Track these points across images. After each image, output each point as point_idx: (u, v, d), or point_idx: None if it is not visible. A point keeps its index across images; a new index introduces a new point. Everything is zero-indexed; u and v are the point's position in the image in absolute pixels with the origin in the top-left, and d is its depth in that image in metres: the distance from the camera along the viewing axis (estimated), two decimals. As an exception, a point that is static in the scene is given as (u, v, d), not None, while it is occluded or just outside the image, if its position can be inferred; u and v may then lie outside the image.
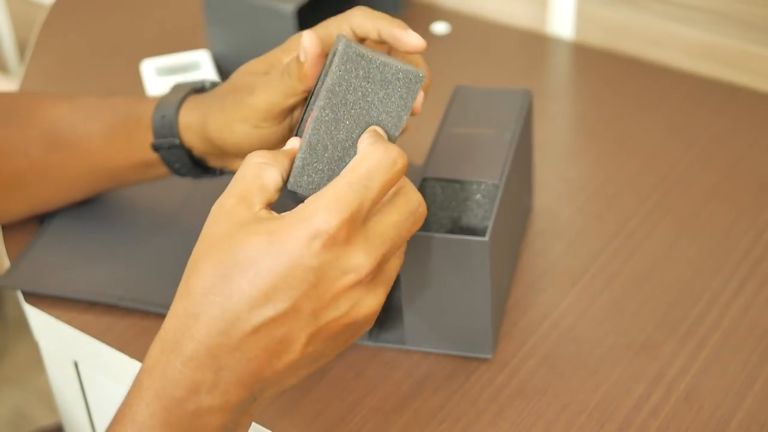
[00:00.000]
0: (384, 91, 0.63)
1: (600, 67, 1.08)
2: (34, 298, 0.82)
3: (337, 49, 0.63)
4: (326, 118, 0.63)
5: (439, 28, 1.15)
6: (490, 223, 0.71)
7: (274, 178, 0.60)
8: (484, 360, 0.75)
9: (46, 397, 1.75)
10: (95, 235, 0.86)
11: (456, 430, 0.70)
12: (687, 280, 0.81)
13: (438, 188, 0.76)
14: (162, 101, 0.78)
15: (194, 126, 0.76)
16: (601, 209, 0.89)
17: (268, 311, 0.56)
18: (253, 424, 0.71)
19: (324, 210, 0.56)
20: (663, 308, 0.79)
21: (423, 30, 1.15)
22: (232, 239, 0.57)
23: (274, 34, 1.00)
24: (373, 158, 0.59)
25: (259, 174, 0.60)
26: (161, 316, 0.79)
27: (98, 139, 0.80)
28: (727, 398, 0.71)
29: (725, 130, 0.97)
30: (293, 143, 0.63)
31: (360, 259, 0.57)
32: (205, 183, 0.91)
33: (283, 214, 0.58)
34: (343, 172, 0.59)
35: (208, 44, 1.09)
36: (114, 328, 0.79)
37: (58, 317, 0.80)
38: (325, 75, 0.64)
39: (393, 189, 0.60)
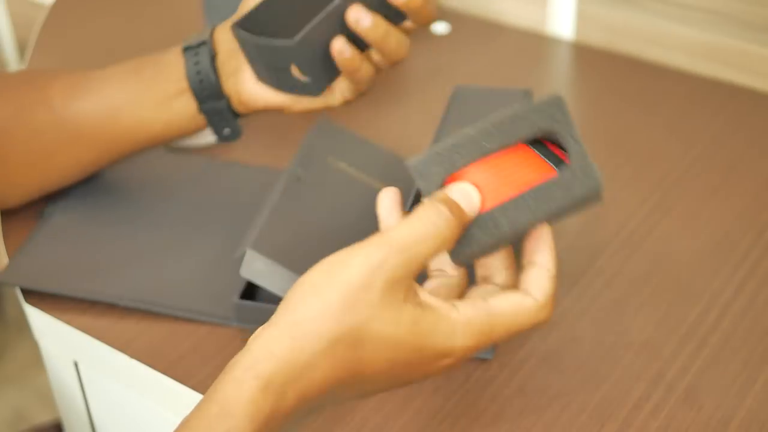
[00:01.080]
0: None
1: (600, 67, 1.08)
2: (34, 297, 0.82)
3: None
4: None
5: (439, 28, 1.15)
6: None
7: (440, 250, 0.58)
8: (484, 360, 0.75)
9: (46, 397, 1.75)
10: (94, 232, 0.86)
11: (456, 430, 0.70)
12: (687, 280, 0.81)
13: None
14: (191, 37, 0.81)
15: (228, 27, 0.77)
16: (601, 209, 0.89)
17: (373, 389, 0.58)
18: (253, 424, 0.71)
19: (470, 345, 0.57)
20: (663, 308, 0.79)
21: (423, 30, 1.15)
22: (379, 322, 0.56)
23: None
24: (524, 319, 0.58)
25: (439, 244, 0.57)
26: (161, 316, 0.79)
27: (124, 80, 0.81)
28: (727, 398, 0.71)
29: (725, 130, 0.97)
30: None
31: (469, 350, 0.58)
32: (206, 184, 0.91)
33: (435, 315, 0.57)
34: (494, 311, 0.58)
35: (208, 44, 1.08)
36: (114, 328, 0.79)
37: (58, 317, 0.80)
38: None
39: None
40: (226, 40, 0.79)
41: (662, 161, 0.94)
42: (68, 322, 0.80)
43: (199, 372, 0.75)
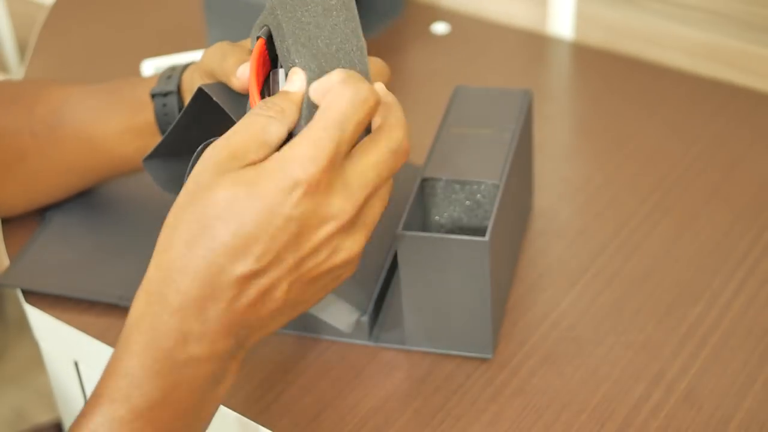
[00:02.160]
0: (331, 19, 0.63)
1: (600, 67, 1.08)
2: (34, 297, 0.82)
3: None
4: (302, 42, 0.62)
5: (439, 28, 1.15)
6: (490, 223, 0.71)
7: (278, 132, 0.59)
8: (484, 360, 0.75)
9: (46, 396, 1.75)
10: (95, 234, 0.86)
11: (456, 430, 0.70)
12: (687, 280, 0.81)
13: (438, 188, 0.76)
14: (178, 64, 0.81)
15: (196, 76, 0.77)
16: (601, 209, 0.89)
17: (251, 263, 0.57)
18: (253, 423, 0.71)
19: (301, 158, 0.56)
20: (663, 308, 0.79)
21: (423, 30, 1.15)
22: (212, 191, 0.57)
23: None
24: (345, 98, 0.58)
25: (264, 128, 0.59)
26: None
27: (100, 105, 0.82)
28: (727, 398, 0.71)
29: (725, 130, 0.97)
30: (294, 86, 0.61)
31: (340, 206, 0.57)
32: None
33: (262, 162, 0.57)
34: (316, 116, 0.58)
35: (208, 44, 1.09)
36: (114, 328, 0.79)
37: (58, 317, 0.80)
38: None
39: (375, 125, 0.60)
40: (192, 90, 0.78)
41: (662, 161, 0.94)
42: (68, 322, 0.80)
43: (199, 372, 0.75)
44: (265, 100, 0.60)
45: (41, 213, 0.88)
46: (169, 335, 0.58)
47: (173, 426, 0.59)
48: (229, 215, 0.57)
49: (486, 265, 0.70)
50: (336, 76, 0.59)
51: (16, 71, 1.96)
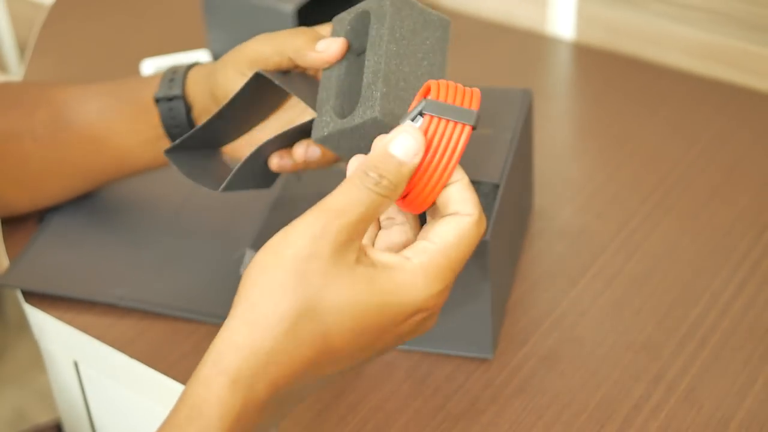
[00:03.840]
0: (425, 33, 0.66)
1: (600, 67, 1.08)
2: (34, 298, 0.82)
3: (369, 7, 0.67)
4: (393, 52, 0.64)
5: (439, 28, 1.15)
6: (490, 223, 0.70)
7: (386, 211, 0.57)
8: (484, 360, 0.75)
9: (46, 397, 1.75)
10: (95, 234, 0.86)
11: (456, 430, 0.70)
12: (687, 280, 0.81)
13: (438, 188, 0.76)
14: (177, 65, 0.80)
15: (201, 78, 0.77)
16: (601, 209, 0.89)
17: (345, 364, 0.56)
18: (253, 424, 0.71)
19: (430, 291, 0.56)
20: (663, 308, 0.79)
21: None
22: (331, 287, 0.54)
23: (274, 34, 1.00)
24: (471, 239, 0.57)
25: (379, 209, 0.56)
26: (161, 316, 0.79)
27: (103, 110, 0.81)
28: (727, 398, 0.71)
29: (725, 130, 0.97)
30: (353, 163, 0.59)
31: (436, 301, 0.57)
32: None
33: (388, 271, 0.55)
34: (443, 247, 0.56)
35: (208, 44, 1.08)
36: (114, 328, 0.79)
37: (58, 317, 0.80)
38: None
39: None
40: (200, 93, 0.78)
41: (662, 161, 0.94)
42: (68, 322, 0.80)
43: (199, 372, 0.75)
44: (374, 165, 0.55)
45: (41, 214, 0.88)
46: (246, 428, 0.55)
47: None
48: (351, 323, 0.54)
49: (486, 265, 0.70)
50: (464, 176, 0.58)
51: (16, 71, 1.96)
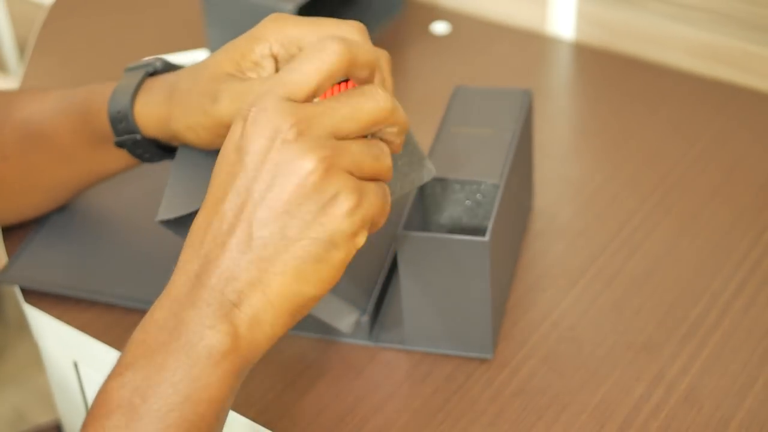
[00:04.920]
0: (412, 172, 0.68)
1: (600, 67, 1.08)
2: (33, 297, 0.82)
3: None
4: None
5: (439, 28, 1.15)
6: (490, 223, 0.70)
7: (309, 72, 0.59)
8: (484, 360, 0.75)
9: (46, 397, 1.75)
10: (94, 232, 0.86)
11: (456, 430, 0.70)
12: (687, 280, 0.81)
13: (438, 188, 0.76)
14: (115, 92, 0.75)
15: (155, 121, 0.74)
16: (601, 209, 0.89)
17: (222, 209, 0.57)
18: (253, 423, 0.71)
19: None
20: (663, 308, 0.79)
21: (423, 30, 1.15)
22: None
23: (274, 34, 1.00)
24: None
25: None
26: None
27: (68, 135, 0.79)
28: (728, 398, 0.71)
29: (725, 130, 0.97)
30: None
31: (278, 119, 0.56)
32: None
33: None
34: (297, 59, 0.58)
35: (208, 44, 1.08)
36: (114, 328, 0.79)
37: (58, 317, 0.80)
38: None
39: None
40: (160, 134, 0.75)
41: (662, 161, 0.94)
42: (68, 322, 0.80)
43: (199, 372, 0.75)
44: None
45: (41, 213, 0.88)
46: (162, 307, 0.59)
47: (165, 378, 0.56)
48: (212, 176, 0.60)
49: (486, 265, 0.70)
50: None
51: (16, 71, 1.96)
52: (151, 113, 0.74)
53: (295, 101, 0.57)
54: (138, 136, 0.75)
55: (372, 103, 0.58)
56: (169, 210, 0.72)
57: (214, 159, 0.73)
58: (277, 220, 0.56)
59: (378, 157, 0.59)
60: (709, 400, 0.71)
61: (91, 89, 0.79)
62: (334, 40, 0.58)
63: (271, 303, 0.57)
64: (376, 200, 0.58)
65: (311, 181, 0.56)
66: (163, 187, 0.89)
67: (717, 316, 0.78)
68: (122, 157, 0.79)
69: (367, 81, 0.61)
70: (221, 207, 0.57)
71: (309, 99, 0.57)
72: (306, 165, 0.56)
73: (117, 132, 0.76)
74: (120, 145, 0.76)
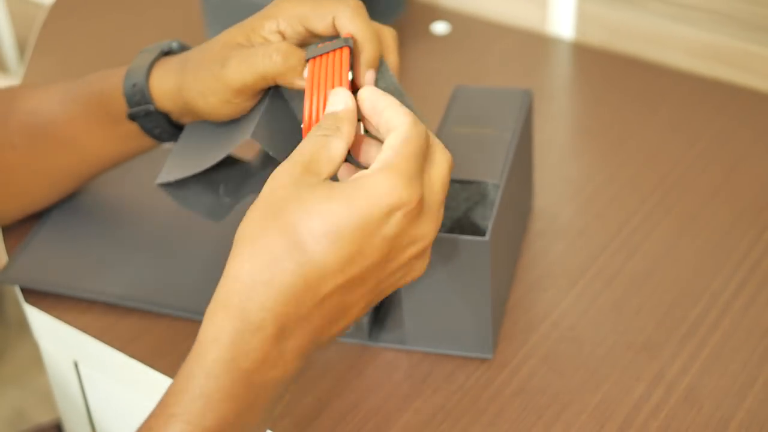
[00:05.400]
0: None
1: (600, 67, 1.08)
2: (34, 297, 0.82)
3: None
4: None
5: (439, 28, 1.15)
6: (490, 223, 0.70)
7: (340, 149, 0.60)
8: (484, 360, 0.75)
9: (46, 397, 1.75)
10: (94, 231, 0.86)
11: (456, 430, 0.70)
12: (687, 280, 0.81)
13: (438, 188, 0.76)
14: (131, 69, 0.77)
15: (168, 92, 0.75)
16: (601, 209, 0.89)
17: (340, 280, 0.57)
18: (253, 424, 0.71)
19: (396, 184, 0.57)
20: (663, 308, 0.79)
21: (423, 30, 1.15)
22: (304, 204, 0.56)
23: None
24: (415, 137, 0.60)
25: (327, 145, 0.60)
26: (161, 316, 0.79)
27: (78, 119, 0.80)
28: (728, 398, 0.71)
29: (725, 130, 0.97)
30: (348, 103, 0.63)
31: (428, 227, 0.59)
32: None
33: (354, 181, 0.58)
34: (393, 150, 0.59)
35: (208, 44, 1.08)
36: (114, 328, 0.79)
37: (58, 317, 0.80)
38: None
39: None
40: (173, 106, 0.76)
41: (662, 161, 0.94)
42: (68, 322, 0.80)
43: (199, 372, 0.75)
44: (317, 125, 0.62)
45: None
46: (249, 356, 0.56)
47: None
48: (325, 230, 0.56)
49: (486, 265, 0.70)
50: (402, 114, 0.61)
51: (16, 71, 1.96)
52: (165, 85, 0.75)
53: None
54: (151, 107, 0.76)
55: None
56: (169, 173, 0.74)
57: (219, 128, 0.73)
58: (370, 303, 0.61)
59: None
60: (709, 400, 0.71)
61: (103, 73, 0.81)
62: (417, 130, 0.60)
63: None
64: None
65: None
66: (161, 190, 0.89)
67: (717, 316, 0.78)
68: (133, 138, 0.80)
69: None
70: (340, 276, 0.57)
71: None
72: (421, 272, 0.62)
73: (131, 104, 0.77)
74: (132, 117, 0.77)
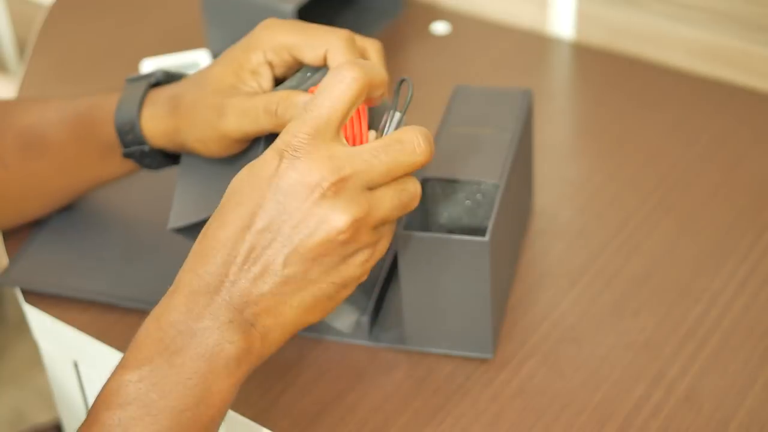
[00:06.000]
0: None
1: (600, 67, 1.08)
2: (33, 298, 0.82)
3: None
4: None
5: (439, 28, 1.15)
6: (490, 223, 0.70)
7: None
8: (484, 360, 0.75)
9: (46, 397, 1.75)
10: (94, 233, 0.86)
11: (456, 430, 0.70)
12: (687, 280, 0.81)
13: (438, 188, 0.76)
14: (121, 106, 0.77)
15: (162, 133, 0.76)
16: (601, 209, 0.89)
17: (251, 237, 0.60)
18: (254, 423, 0.71)
19: (290, 128, 0.61)
20: (663, 308, 0.79)
21: (423, 30, 1.15)
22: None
23: (274, 34, 1.00)
24: (402, 145, 0.62)
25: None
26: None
27: (71, 146, 0.80)
28: (727, 398, 0.71)
29: (725, 129, 0.97)
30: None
31: (321, 174, 0.60)
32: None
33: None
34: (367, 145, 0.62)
35: (208, 44, 1.08)
36: (114, 328, 0.79)
37: (58, 317, 0.80)
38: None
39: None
40: (168, 145, 0.77)
41: (663, 161, 0.94)
42: (68, 322, 0.80)
43: (198, 372, 0.75)
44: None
45: (41, 213, 0.88)
46: (177, 309, 0.61)
47: (179, 390, 0.60)
48: (233, 195, 0.62)
49: (486, 265, 0.70)
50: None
51: (16, 71, 1.96)
52: (158, 126, 0.76)
53: (325, 134, 0.60)
54: (146, 148, 0.77)
55: (411, 158, 0.62)
56: (180, 217, 0.75)
57: (220, 166, 0.74)
58: (302, 264, 0.61)
59: (407, 206, 0.64)
60: (709, 400, 0.71)
61: (94, 101, 0.81)
62: (350, 67, 0.61)
63: (282, 326, 0.63)
64: (387, 243, 0.64)
65: (340, 239, 0.60)
66: (161, 189, 0.89)
67: (717, 316, 0.78)
68: (126, 164, 0.81)
69: (381, 97, 0.65)
70: (247, 234, 0.60)
71: (338, 131, 0.61)
72: (338, 223, 0.60)
73: (125, 143, 0.78)
74: (128, 156, 0.78)
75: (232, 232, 0.61)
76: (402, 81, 0.66)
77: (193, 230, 0.75)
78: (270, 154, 0.61)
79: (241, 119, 0.71)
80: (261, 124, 0.70)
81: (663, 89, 1.03)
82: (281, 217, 0.60)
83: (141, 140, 0.77)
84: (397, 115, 0.66)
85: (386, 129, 0.66)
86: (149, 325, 0.62)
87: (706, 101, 1.01)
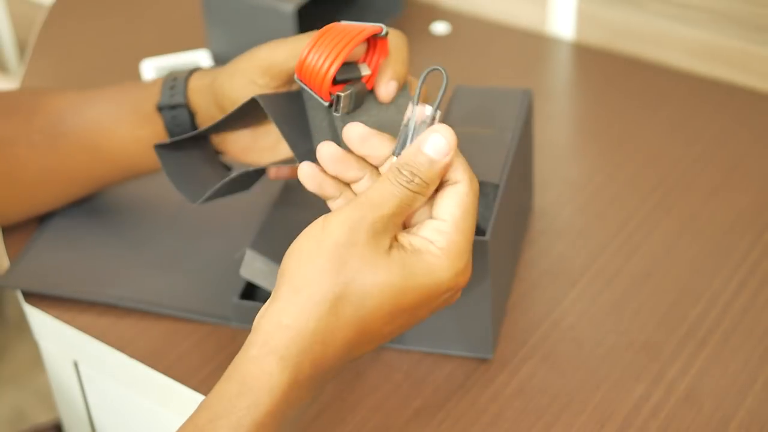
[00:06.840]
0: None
1: (600, 67, 1.08)
2: (34, 298, 0.82)
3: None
4: None
5: (439, 28, 1.15)
6: (490, 223, 0.70)
7: (419, 207, 0.62)
8: (484, 360, 0.75)
9: (46, 397, 1.75)
10: (95, 235, 0.86)
11: (456, 430, 0.70)
12: (687, 280, 0.81)
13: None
14: (172, 71, 0.80)
15: (202, 87, 0.78)
16: (601, 209, 0.89)
17: (386, 332, 0.61)
18: (253, 424, 0.71)
19: (461, 267, 0.61)
20: (663, 308, 0.79)
21: (423, 30, 1.15)
22: (375, 276, 0.59)
23: (274, 34, 1.00)
24: (471, 205, 0.62)
25: (412, 205, 0.61)
26: (161, 316, 0.79)
27: (104, 117, 0.81)
28: (728, 398, 0.71)
29: (725, 129, 0.97)
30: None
31: (465, 281, 0.62)
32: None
33: (423, 262, 0.60)
34: (454, 223, 0.61)
35: (208, 44, 1.08)
36: (114, 328, 0.79)
37: (58, 317, 0.80)
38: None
39: None
40: (203, 101, 0.78)
41: (662, 161, 0.94)
42: (68, 322, 0.80)
43: (199, 372, 0.75)
44: (407, 162, 0.61)
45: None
46: (295, 404, 0.59)
47: None
48: (389, 310, 0.59)
49: (486, 265, 0.70)
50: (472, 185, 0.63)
51: (16, 71, 1.96)
52: (201, 81, 0.78)
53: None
54: (181, 99, 0.78)
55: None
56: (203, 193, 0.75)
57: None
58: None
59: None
60: (709, 400, 0.71)
61: (142, 81, 0.84)
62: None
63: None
64: None
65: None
66: (160, 192, 0.89)
67: (717, 316, 0.78)
68: (151, 147, 0.80)
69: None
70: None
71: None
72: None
73: (164, 97, 0.79)
74: (160, 108, 0.79)
75: (367, 333, 0.61)
76: (432, 70, 0.63)
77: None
78: (441, 291, 0.61)
79: (277, 44, 0.73)
80: (290, 49, 0.72)
81: (663, 89, 1.03)
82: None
83: (181, 92, 0.78)
84: (429, 109, 0.63)
85: (410, 123, 0.63)
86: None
87: (705, 101, 1.01)
